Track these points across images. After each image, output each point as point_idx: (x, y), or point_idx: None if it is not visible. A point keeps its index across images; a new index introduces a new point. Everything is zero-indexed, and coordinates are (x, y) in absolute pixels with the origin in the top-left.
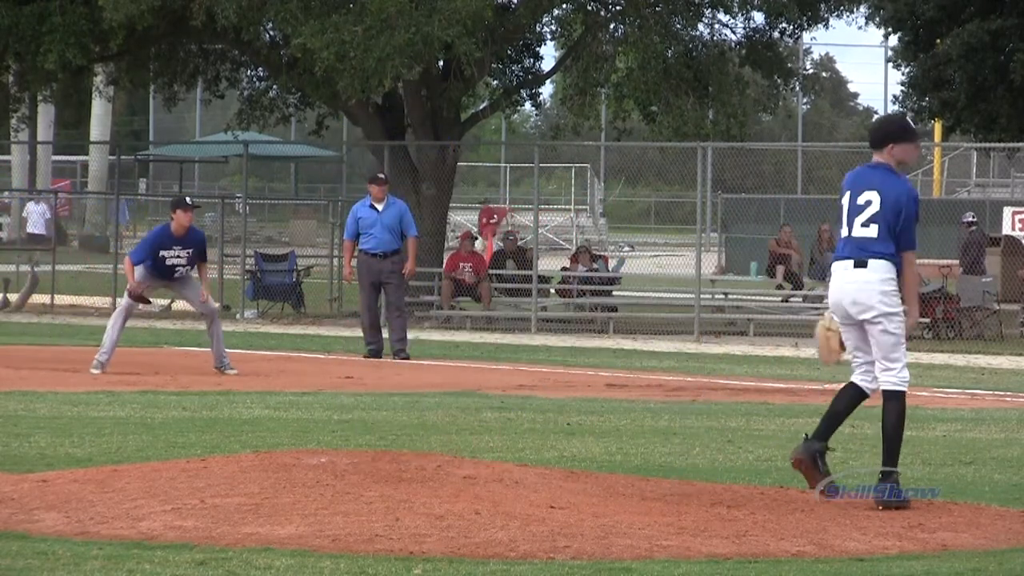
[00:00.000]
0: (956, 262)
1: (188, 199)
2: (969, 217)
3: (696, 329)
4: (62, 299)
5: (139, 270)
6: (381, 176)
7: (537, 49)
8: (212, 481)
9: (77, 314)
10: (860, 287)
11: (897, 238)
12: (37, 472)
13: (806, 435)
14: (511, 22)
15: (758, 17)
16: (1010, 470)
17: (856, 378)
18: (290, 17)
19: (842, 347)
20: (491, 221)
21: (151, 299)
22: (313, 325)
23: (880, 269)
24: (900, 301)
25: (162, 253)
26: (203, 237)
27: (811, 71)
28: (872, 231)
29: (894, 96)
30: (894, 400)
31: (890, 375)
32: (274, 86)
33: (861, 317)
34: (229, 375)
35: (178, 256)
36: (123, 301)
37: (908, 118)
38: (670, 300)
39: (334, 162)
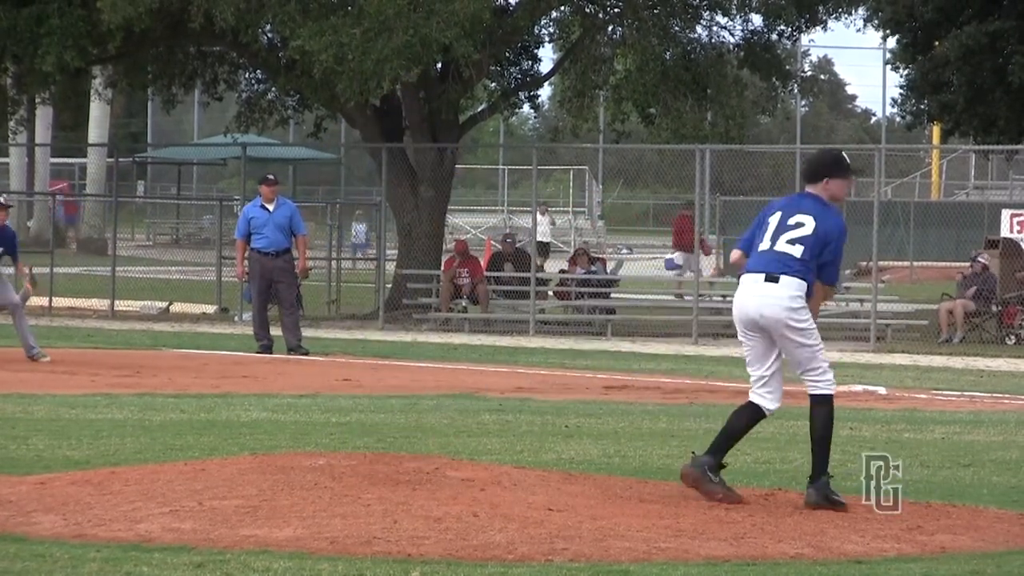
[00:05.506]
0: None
1: (2, 197)
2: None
3: (694, 331)
4: (60, 301)
5: None
6: (271, 177)
7: (535, 51)
8: (210, 483)
9: (75, 316)
10: (768, 302)
11: (820, 269)
12: (35, 474)
13: (694, 453)
14: (509, 24)
15: (756, 19)
16: (1008, 472)
17: (754, 396)
18: (288, 19)
19: None
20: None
21: None
22: (311, 327)
23: (790, 286)
24: (809, 316)
25: None
26: (13, 235)
27: (809, 73)
28: (796, 250)
29: (892, 99)
30: (822, 404)
31: (815, 383)
32: (272, 88)
33: (769, 330)
34: (43, 362)
35: None
36: None
37: (843, 154)
38: (668, 302)
39: (332, 164)
